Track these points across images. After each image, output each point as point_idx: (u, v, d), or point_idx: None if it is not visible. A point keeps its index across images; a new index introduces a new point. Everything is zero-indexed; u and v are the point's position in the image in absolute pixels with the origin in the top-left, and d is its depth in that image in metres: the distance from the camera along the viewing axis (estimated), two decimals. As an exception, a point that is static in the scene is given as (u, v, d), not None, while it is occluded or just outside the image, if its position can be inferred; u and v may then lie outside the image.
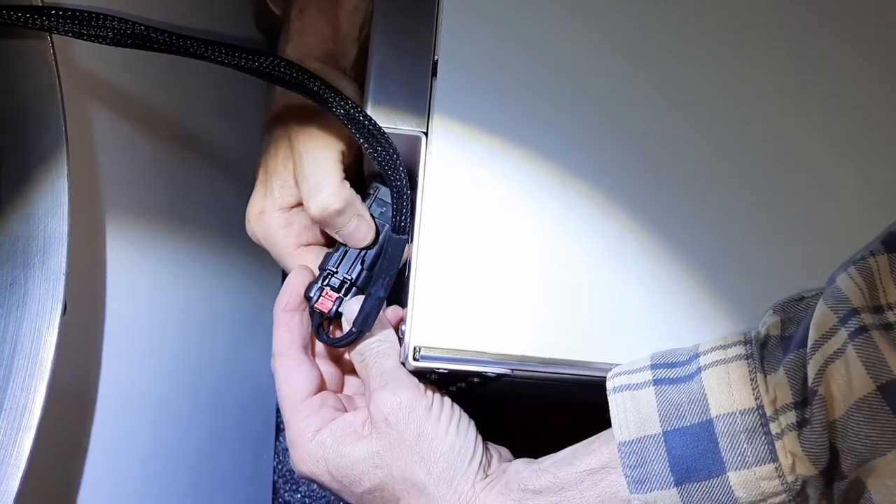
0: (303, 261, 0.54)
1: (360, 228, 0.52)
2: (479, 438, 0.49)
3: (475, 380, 0.51)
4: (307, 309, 0.53)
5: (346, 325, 0.51)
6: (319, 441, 0.49)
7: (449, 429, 0.48)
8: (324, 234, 0.56)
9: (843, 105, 0.51)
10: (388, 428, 0.48)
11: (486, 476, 0.48)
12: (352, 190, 0.52)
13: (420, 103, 0.50)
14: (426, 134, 0.50)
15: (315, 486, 0.85)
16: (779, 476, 0.43)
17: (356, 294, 0.53)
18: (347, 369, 0.55)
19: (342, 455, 0.49)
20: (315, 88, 0.48)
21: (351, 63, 0.56)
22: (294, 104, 0.53)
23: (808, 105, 0.51)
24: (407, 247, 0.51)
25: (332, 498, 0.84)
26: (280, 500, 0.84)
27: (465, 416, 0.50)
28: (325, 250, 0.55)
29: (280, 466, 0.85)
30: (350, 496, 0.49)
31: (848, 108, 0.51)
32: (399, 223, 0.50)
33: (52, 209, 0.43)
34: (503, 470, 0.48)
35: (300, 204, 0.54)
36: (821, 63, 0.51)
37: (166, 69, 0.55)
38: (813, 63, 0.51)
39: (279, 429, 0.85)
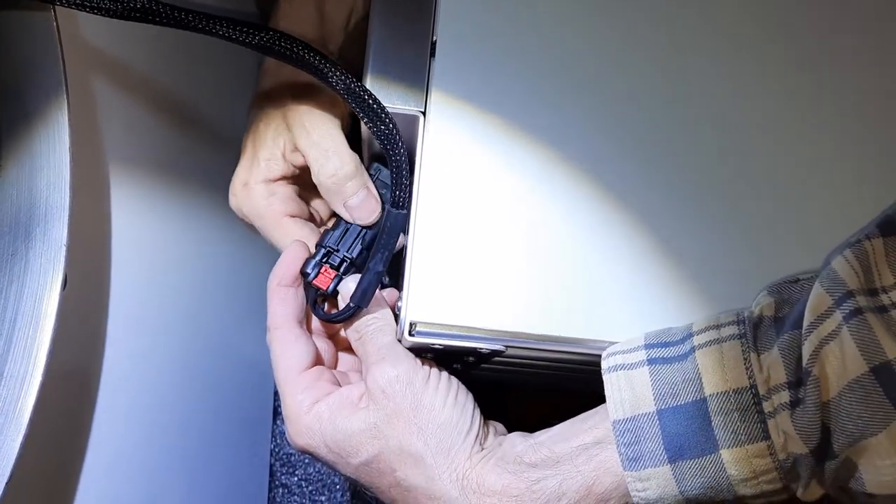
0: (289, 232, 0.54)
1: (368, 201, 0.52)
2: (477, 411, 0.49)
3: (470, 359, 0.51)
4: (301, 284, 0.53)
5: (343, 302, 0.51)
6: (316, 414, 0.49)
7: (447, 400, 0.48)
8: (307, 206, 0.56)
9: (842, 102, 0.51)
10: (386, 399, 0.48)
11: (483, 448, 0.48)
12: (360, 160, 0.52)
13: (418, 83, 0.50)
14: (424, 113, 0.50)
15: (312, 470, 0.85)
16: (770, 454, 0.43)
17: (354, 273, 0.52)
18: (341, 346, 0.55)
19: (339, 428, 0.49)
20: (315, 62, 0.48)
21: (338, 50, 0.56)
22: (287, 82, 0.54)
23: (801, 98, 0.51)
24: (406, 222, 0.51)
25: (329, 481, 0.85)
26: (277, 482, 0.85)
27: (462, 389, 0.50)
28: (309, 224, 0.55)
29: (277, 450, 0.85)
30: (346, 468, 0.49)
31: (846, 106, 0.51)
32: (399, 197, 0.50)
33: (54, 180, 0.44)
34: (499, 443, 0.49)
35: (285, 178, 0.54)
36: (823, 61, 0.51)
37: (170, 43, 0.55)
38: (815, 61, 0.51)
39: (276, 412, 0.85)
